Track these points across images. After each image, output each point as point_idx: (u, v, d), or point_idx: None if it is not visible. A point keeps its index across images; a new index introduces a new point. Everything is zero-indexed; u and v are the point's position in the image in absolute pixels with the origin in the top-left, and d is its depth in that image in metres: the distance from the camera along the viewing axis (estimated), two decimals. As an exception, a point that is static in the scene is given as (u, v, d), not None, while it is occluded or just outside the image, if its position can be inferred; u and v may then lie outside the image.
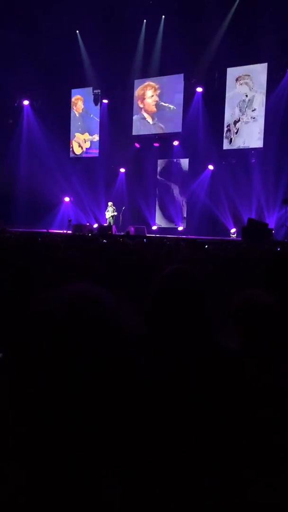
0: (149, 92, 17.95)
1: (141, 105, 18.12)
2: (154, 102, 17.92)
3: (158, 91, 17.78)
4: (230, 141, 16.42)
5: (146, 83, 17.95)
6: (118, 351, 0.61)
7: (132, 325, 0.65)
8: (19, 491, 0.58)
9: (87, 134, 19.57)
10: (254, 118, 15.92)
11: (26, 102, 19.77)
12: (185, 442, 1.16)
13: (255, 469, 1.23)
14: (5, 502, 0.58)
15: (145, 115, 18.15)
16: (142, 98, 18.08)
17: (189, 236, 14.27)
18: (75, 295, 0.66)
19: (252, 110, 15.94)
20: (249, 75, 15.93)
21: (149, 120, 18.08)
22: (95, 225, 17.33)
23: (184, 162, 17.52)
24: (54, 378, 0.58)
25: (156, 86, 17.79)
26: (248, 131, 16.05)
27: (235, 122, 16.28)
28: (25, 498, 0.58)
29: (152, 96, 17.88)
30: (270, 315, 1.76)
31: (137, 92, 18.12)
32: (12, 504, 0.58)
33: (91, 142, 19.46)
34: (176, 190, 17.72)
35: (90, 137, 19.46)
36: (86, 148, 19.56)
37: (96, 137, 19.28)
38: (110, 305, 0.66)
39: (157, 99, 17.82)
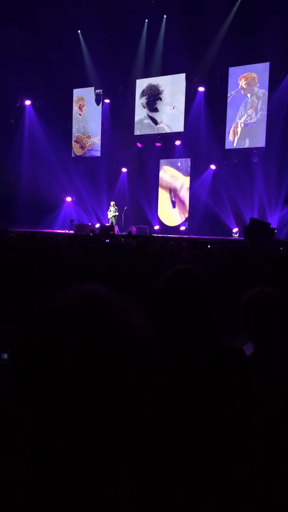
0: (156, 90, 17.96)
1: (146, 101, 18.13)
2: (157, 101, 17.95)
3: (164, 92, 17.79)
4: (232, 140, 16.40)
5: (154, 83, 17.94)
6: (126, 352, 0.61)
7: (140, 326, 0.65)
8: (24, 487, 0.58)
9: (89, 135, 19.58)
10: (256, 117, 15.90)
11: (28, 102, 19.77)
12: (189, 439, 1.16)
13: (254, 468, 1.23)
14: (11, 500, 0.58)
15: (150, 114, 18.18)
16: (149, 95, 18.08)
17: (191, 236, 14.26)
18: (85, 295, 0.66)
19: (254, 110, 15.92)
20: (251, 75, 15.91)
21: (152, 122, 18.15)
22: (97, 225, 17.33)
23: (186, 162, 17.51)
24: (63, 378, 0.58)
25: (163, 87, 17.79)
26: (250, 130, 16.03)
27: (237, 122, 16.27)
28: (29, 496, 0.58)
29: (158, 94, 17.94)
30: (279, 313, 1.75)
31: (145, 88, 18.09)
32: (17, 502, 0.58)
33: (93, 143, 19.46)
34: (178, 190, 17.70)
35: (93, 138, 19.46)
36: (88, 150, 19.58)
37: (97, 139, 19.28)
38: (119, 306, 0.66)
39: (160, 99, 17.84)
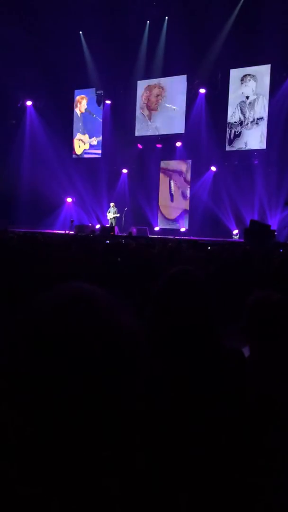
0: (156, 91, 17.98)
1: (145, 101, 18.16)
2: (157, 102, 17.98)
3: (164, 93, 17.80)
4: (233, 142, 16.41)
5: (155, 83, 17.96)
6: (114, 351, 0.60)
7: (129, 324, 0.64)
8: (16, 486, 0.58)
9: (87, 136, 19.61)
10: (257, 119, 15.91)
11: (29, 103, 19.81)
12: (186, 444, 1.16)
13: (255, 473, 1.23)
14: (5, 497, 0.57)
15: (146, 113, 18.19)
16: (148, 96, 18.11)
17: (192, 237, 14.27)
18: (69, 294, 0.64)
19: (255, 112, 15.94)
20: (252, 77, 15.93)
21: (148, 120, 18.17)
22: (97, 226, 17.34)
23: (187, 163, 17.52)
24: (47, 380, 0.57)
25: (163, 88, 17.81)
26: (251, 132, 16.04)
27: (238, 124, 16.28)
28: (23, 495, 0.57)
29: (158, 96, 17.93)
30: (284, 317, 1.73)
31: (145, 89, 18.14)
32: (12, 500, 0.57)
33: (90, 144, 19.49)
34: (178, 191, 17.72)
35: (90, 139, 19.49)
36: (84, 150, 19.61)
37: (94, 141, 19.32)
38: (106, 304, 0.65)
39: (161, 100, 17.88)
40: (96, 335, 0.60)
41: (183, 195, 17.54)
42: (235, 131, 16.35)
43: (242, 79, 16.09)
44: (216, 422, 1.18)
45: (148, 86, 18.08)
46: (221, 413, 1.19)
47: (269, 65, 15.42)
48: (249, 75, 15.95)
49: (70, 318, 0.61)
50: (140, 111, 18.30)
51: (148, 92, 18.12)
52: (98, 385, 0.58)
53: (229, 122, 16.40)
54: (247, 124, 16.12)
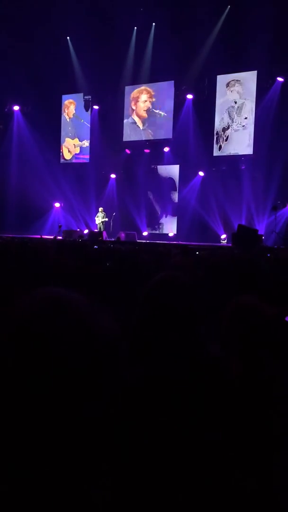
0: (143, 96, 18.03)
1: (134, 107, 18.21)
2: (146, 108, 18.03)
3: (153, 99, 17.86)
4: (220, 147, 16.52)
5: (142, 87, 18.02)
6: (87, 352, 0.61)
7: (106, 327, 0.65)
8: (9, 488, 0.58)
9: (77, 139, 19.60)
10: (243, 125, 16.05)
11: (16, 108, 19.73)
12: (173, 447, 1.15)
13: (243, 472, 1.23)
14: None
15: (136, 119, 18.24)
16: (136, 101, 18.16)
17: (180, 242, 14.29)
18: (47, 297, 0.65)
19: (242, 117, 16.07)
20: (239, 83, 16.08)
21: (140, 125, 18.18)
22: (86, 231, 17.31)
23: (175, 169, 17.59)
24: (22, 384, 0.58)
25: (152, 93, 17.87)
26: (238, 138, 16.17)
27: (225, 129, 16.40)
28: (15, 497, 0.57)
29: (146, 101, 17.99)
30: (268, 326, 1.69)
31: (132, 94, 18.18)
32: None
33: (81, 148, 19.49)
34: (166, 197, 17.77)
35: (80, 142, 19.49)
36: (75, 154, 19.60)
37: (86, 143, 19.34)
38: (83, 308, 0.66)
39: (149, 105, 17.94)
40: (69, 335, 0.61)
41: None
42: (222, 137, 16.46)
43: (227, 86, 16.23)
44: (199, 426, 1.17)
45: (137, 91, 18.13)
46: (203, 420, 1.18)
47: (255, 71, 15.58)
48: (235, 80, 16.10)
49: (45, 319, 0.62)
50: (130, 117, 18.33)
51: (136, 97, 18.17)
52: (71, 383, 0.59)
53: (217, 128, 16.51)
54: (234, 129, 16.24)
